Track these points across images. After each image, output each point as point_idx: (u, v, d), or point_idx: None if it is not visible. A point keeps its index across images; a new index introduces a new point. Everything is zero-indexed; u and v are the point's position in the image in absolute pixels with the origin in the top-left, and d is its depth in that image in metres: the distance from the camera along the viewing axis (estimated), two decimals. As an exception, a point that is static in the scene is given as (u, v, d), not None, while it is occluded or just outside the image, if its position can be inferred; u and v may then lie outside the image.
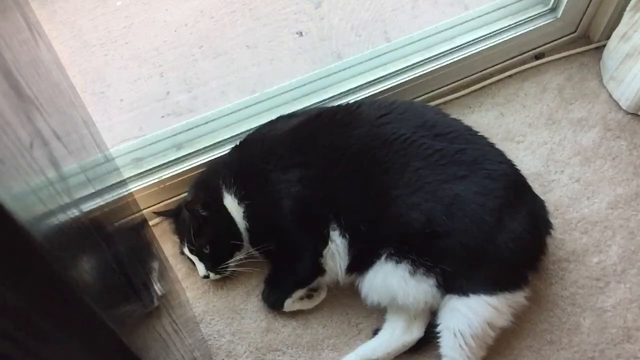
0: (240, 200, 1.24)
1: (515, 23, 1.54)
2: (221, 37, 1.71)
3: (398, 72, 1.47)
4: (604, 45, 1.60)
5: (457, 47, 1.50)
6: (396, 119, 1.21)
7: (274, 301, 1.27)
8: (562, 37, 1.59)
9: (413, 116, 1.22)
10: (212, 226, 1.23)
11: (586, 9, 1.54)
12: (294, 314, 1.28)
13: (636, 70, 1.41)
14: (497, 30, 1.52)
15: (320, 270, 1.22)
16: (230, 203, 1.25)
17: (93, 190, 0.64)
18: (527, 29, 1.53)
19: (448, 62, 1.48)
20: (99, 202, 0.65)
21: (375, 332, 1.24)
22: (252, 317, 1.28)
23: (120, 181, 1.04)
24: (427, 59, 1.48)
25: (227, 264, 1.25)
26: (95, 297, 0.44)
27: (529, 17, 1.55)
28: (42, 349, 0.39)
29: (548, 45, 1.59)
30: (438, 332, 1.15)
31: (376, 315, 1.26)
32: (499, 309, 1.10)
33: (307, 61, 1.65)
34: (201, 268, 1.25)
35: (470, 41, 1.51)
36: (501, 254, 1.11)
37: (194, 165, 1.36)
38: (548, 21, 1.55)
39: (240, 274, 1.32)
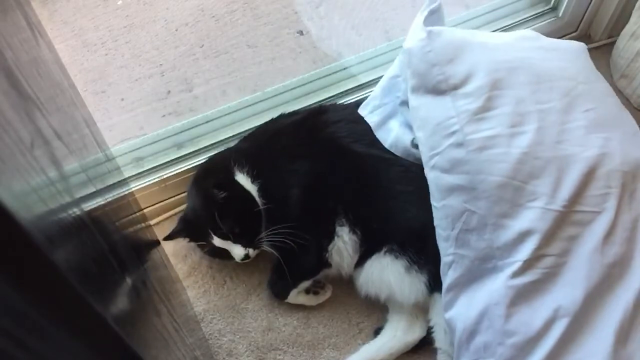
0: (254, 178, 1.23)
1: (516, 22, 1.54)
2: (222, 36, 1.71)
3: (399, 72, 1.47)
4: (605, 44, 1.60)
5: (457, 46, 1.50)
6: None
7: (279, 290, 1.27)
8: (563, 36, 1.59)
9: None
10: (233, 203, 1.19)
11: (587, 8, 1.54)
12: (295, 313, 1.28)
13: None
14: (498, 29, 1.52)
15: (326, 264, 1.22)
16: (244, 180, 1.23)
17: (94, 190, 0.64)
18: (528, 28, 1.53)
19: (449, 62, 1.48)
20: (99, 201, 0.65)
21: (377, 332, 1.24)
22: (253, 316, 1.28)
23: (121, 180, 1.04)
24: (427, 58, 1.48)
25: (260, 236, 1.21)
26: (97, 296, 0.44)
27: (529, 17, 1.55)
28: (44, 349, 0.39)
29: (549, 45, 1.59)
30: (431, 328, 1.17)
31: (377, 315, 1.26)
32: None
33: (307, 60, 1.65)
34: (238, 249, 1.20)
35: (471, 40, 1.50)
36: None
37: (195, 164, 1.36)
38: (549, 20, 1.54)
39: (240, 273, 1.32)
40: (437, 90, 1.07)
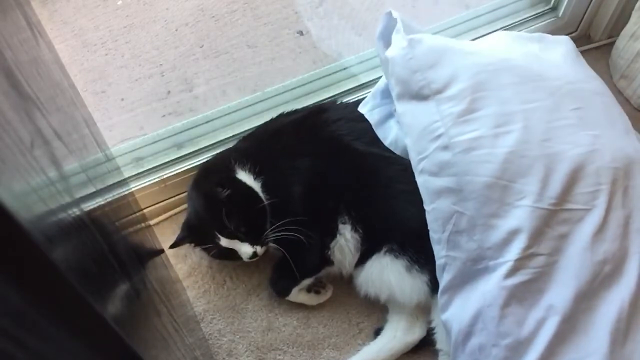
0: (256, 175, 1.23)
1: (516, 22, 1.54)
2: (222, 36, 1.71)
3: (399, 72, 1.47)
4: (605, 44, 1.60)
5: (457, 46, 1.50)
6: None
7: (281, 288, 1.27)
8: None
9: None
10: (237, 200, 1.18)
11: (587, 8, 1.54)
12: (295, 313, 1.28)
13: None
14: (498, 29, 1.52)
15: (328, 261, 1.22)
16: (245, 177, 1.22)
17: (94, 190, 0.64)
18: (528, 29, 1.53)
19: (449, 62, 1.48)
20: (99, 201, 0.65)
21: (377, 332, 1.24)
22: (252, 316, 1.28)
23: (121, 180, 1.04)
24: (427, 58, 1.48)
25: (266, 233, 1.20)
26: (97, 296, 0.44)
27: (529, 17, 1.55)
28: (44, 349, 0.39)
29: (549, 45, 1.59)
30: (433, 329, 1.17)
31: (377, 315, 1.27)
32: None
33: (307, 61, 1.65)
34: (246, 247, 1.18)
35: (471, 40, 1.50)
36: None
37: (195, 164, 1.36)
38: (549, 20, 1.54)
39: (240, 274, 1.32)
40: (421, 95, 1.07)
